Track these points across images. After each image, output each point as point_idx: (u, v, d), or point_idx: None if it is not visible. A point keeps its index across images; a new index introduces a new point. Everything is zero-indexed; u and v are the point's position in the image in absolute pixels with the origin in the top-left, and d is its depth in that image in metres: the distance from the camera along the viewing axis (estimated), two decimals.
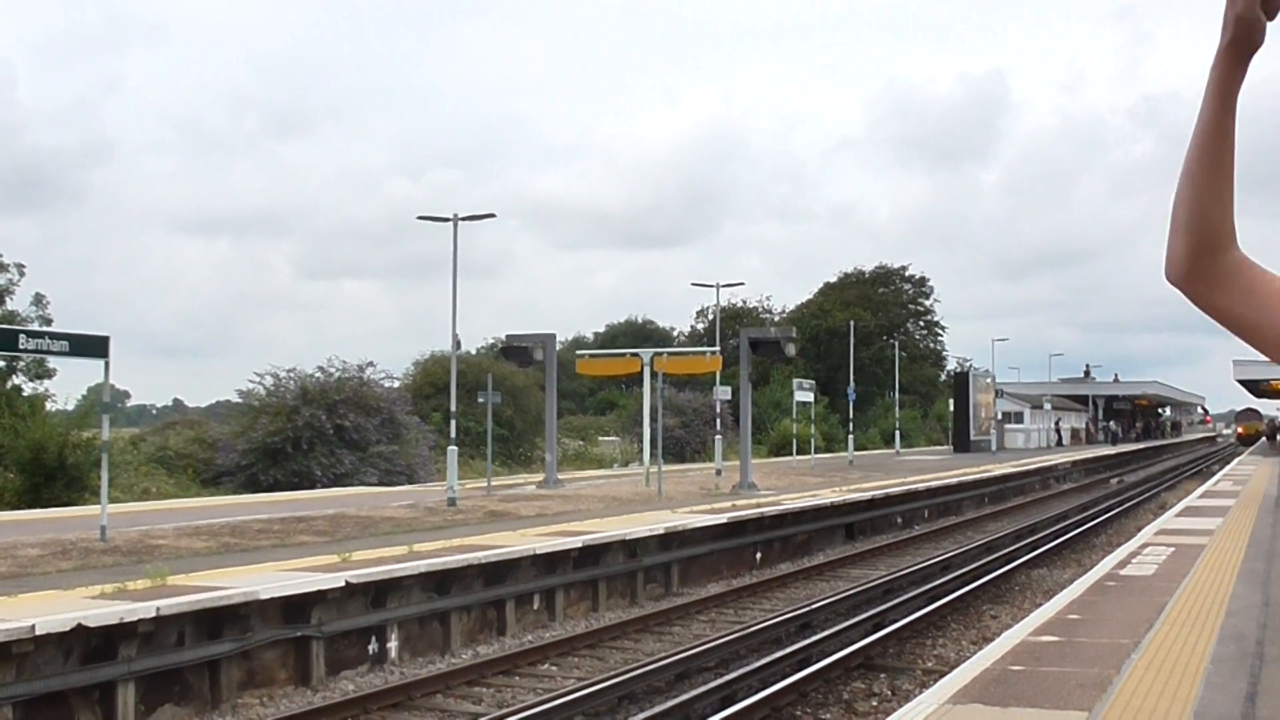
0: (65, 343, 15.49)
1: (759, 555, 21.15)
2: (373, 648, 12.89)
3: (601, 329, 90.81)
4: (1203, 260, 1.51)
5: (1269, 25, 1.42)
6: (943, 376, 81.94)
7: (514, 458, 44.98)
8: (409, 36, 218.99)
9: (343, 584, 12.40)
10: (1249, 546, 16.37)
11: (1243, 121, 1.49)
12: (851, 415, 48.26)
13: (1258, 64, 1.44)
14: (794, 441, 42.51)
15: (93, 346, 15.61)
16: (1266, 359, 1.57)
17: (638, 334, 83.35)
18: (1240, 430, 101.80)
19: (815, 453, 44.42)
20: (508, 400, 39.47)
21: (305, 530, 17.66)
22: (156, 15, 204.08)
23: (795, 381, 41.47)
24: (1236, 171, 1.50)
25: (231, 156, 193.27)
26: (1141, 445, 77.51)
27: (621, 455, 50.71)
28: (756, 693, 10.57)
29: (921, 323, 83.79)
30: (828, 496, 25.33)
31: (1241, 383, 61.07)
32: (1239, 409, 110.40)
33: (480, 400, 27.24)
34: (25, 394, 33.75)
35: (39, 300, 36.43)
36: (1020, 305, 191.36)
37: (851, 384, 49.43)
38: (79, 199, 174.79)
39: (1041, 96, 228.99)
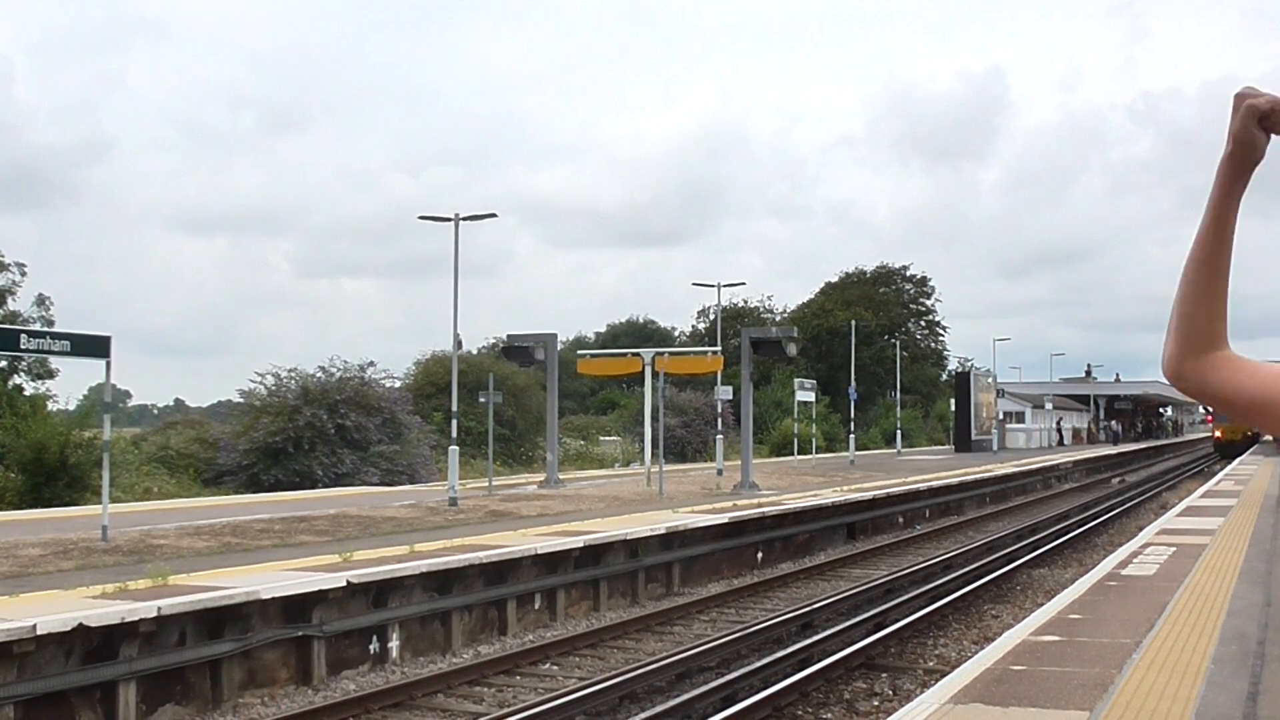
0: (66, 343, 15.50)
1: (760, 555, 21.15)
2: (374, 647, 12.90)
3: (602, 328, 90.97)
4: (1190, 359, 1.58)
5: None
6: (944, 376, 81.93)
7: (515, 457, 45.01)
8: (407, 34, 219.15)
9: (344, 584, 12.41)
10: (1250, 546, 16.36)
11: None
12: (853, 415, 48.25)
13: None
14: (795, 441, 42.49)
15: (94, 346, 15.61)
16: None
17: (639, 334, 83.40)
18: (1219, 434, 70.58)
19: (816, 452, 44.43)
20: (509, 400, 39.50)
21: (306, 530, 17.66)
22: (157, 13, 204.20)
23: (796, 381, 41.47)
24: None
25: (230, 154, 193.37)
26: (1143, 445, 77.48)
27: (623, 455, 50.72)
28: (758, 692, 10.57)
29: (923, 322, 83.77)
30: (829, 496, 25.32)
31: None
32: None
33: (481, 400, 27.25)
34: (27, 394, 33.82)
35: (42, 301, 36.53)
36: (1021, 304, 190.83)
37: (853, 384, 49.44)
38: (77, 197, 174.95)
39: (1040, 94, 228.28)
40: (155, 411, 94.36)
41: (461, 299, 24.83)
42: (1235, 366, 1.57)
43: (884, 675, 12.03)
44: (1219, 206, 1.52)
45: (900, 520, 28.33)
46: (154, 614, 10.40)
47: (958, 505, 32.68)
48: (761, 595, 17.87)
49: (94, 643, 10.07)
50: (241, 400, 36.44)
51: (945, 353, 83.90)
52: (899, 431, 58.74)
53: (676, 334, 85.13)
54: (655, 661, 11.92)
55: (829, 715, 10.60)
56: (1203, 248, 1.53)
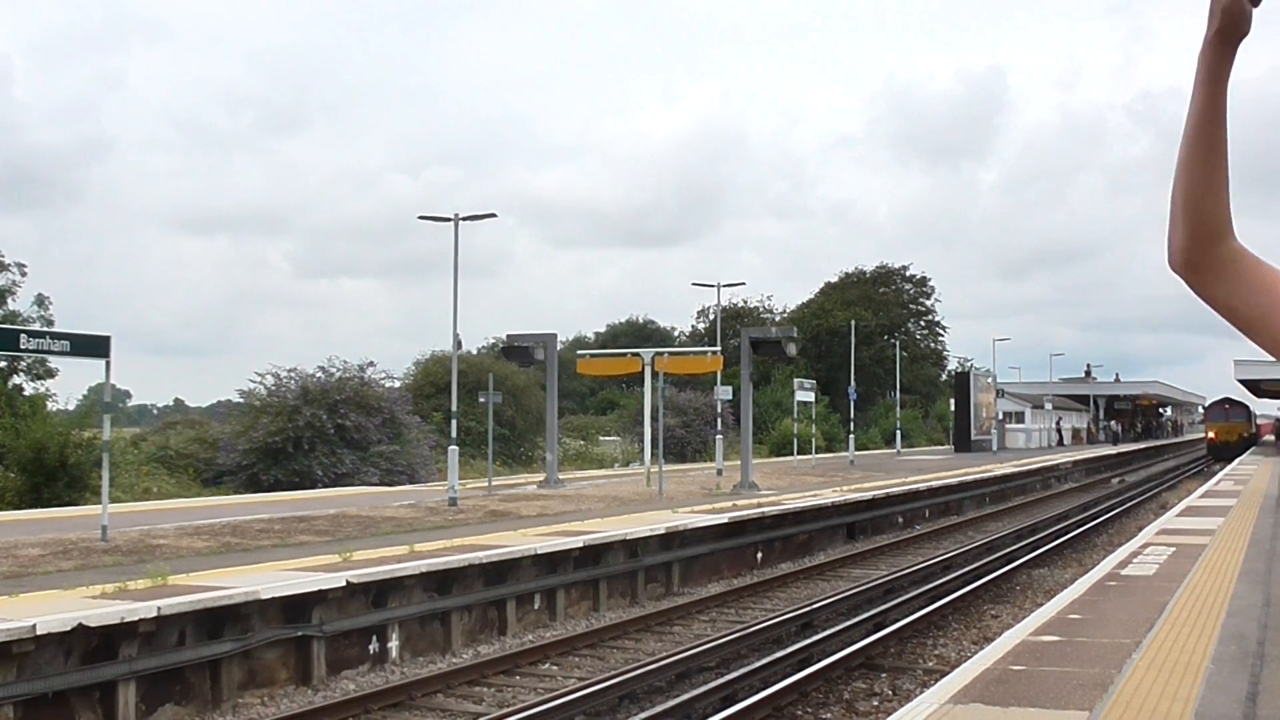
0: (66, 343, 15.49)
1: (760, 555, 21.15)
2: (374, 647, 12.89)
3: (602, 328, 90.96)
4: (1200, 249, 1.55)
5: (1257, 16, 1.44)
6: (944, 376, 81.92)
7: (515, 457, 45.01)
8: (407, 33, 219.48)
9: (344, 584, 12.41)
10: (1250, 546, 16.36)
11: (1239, 117, 1.51)
12: (852, 415, 48.24)
13: (1256, 62, 1.46)
14: (795, 441, 42.49)
15: (93, 346, 15.61)
16: (1268, 356, 1.59)
17: (638, 334, 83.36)
18: (1212, 435, 65.59)
19: (816, 452, 44.42)
20: (509, 400, 39.52)
21: (306, 530, 17.66)
22: (157, 13, 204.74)
23: (796, 381, 41.46)
24: (1234, 168, 1.52)
25: (230, 154, 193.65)
26: (1142, 445, 77.46)
27: (622, 455, 50.72)
28: (757, 692, 10.57)
29: (922, 322, 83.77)
30: (829, 496, 25.32)
31: (1242, 383, 60.97)
32: (1210, 401, 73.71)
33: (481, 400, 27.26)
34: (27, 394, 33.81)
35: (41, 301, 36.54)
36: (1020, 304, 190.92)
37: (852, 384, 49.42)
38: (77, 197, 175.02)
39: (1040, 93, 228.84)
40: (155, 411, 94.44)
41: (461, 299, 24.86)
42: (1250, 268, 1.54)
43: (884, 675, 12.03)
44: (1213, 85, 1.49)
45: (900, 520, 28.32)
46: (154, 614, 10.40)
47: (957, 505, 32.68)
48: (761, 595, 17.87)
49: (94, 643, 10.07)
50: (241, 400, 36.45)
51: (945, 353, 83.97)
52: (899, 431, 58.74)
53: (676, 334, 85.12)
54: (655, 661, 11.92)
55: (829, 715, 10.60)
56: (1202, 131, 1.50)
